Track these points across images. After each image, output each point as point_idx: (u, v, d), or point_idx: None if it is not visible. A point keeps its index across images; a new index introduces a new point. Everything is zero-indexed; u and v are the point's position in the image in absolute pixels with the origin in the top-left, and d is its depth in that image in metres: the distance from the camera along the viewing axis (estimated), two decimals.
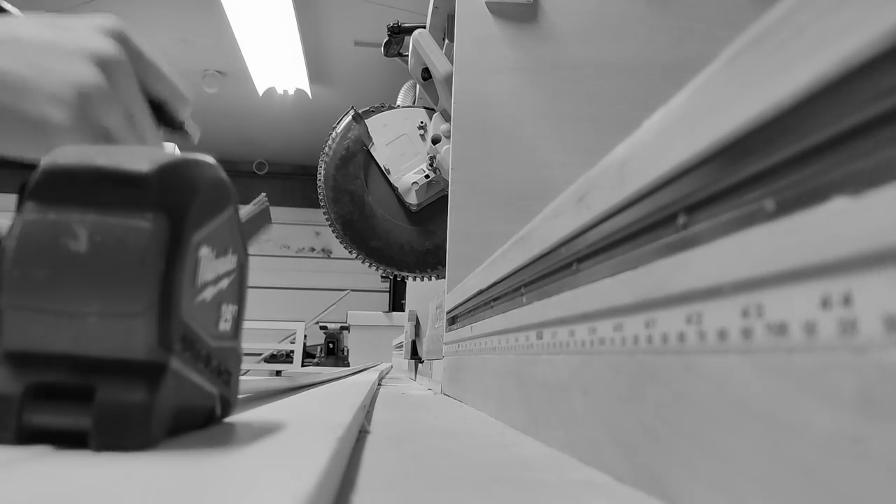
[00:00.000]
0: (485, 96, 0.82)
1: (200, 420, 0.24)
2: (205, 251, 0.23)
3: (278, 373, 3.25)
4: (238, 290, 0.27)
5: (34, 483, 0.14)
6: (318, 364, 3.37)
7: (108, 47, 0.37)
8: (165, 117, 0.42)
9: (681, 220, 0.19)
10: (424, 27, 1.01)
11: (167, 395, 0.21)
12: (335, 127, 1.04)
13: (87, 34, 0.38)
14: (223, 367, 0.25)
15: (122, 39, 0.39)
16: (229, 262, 0.26)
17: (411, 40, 0.98)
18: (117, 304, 0.20)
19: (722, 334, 0.17)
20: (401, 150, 1.03)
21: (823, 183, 0.14)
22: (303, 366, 3.55)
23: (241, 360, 0.29)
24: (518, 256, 0.38)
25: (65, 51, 0.36)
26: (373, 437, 0.34)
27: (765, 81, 0.15)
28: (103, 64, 0.37)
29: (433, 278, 1.07)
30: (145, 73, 0.40)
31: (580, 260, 0.28)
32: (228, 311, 0.26)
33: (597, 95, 0.81)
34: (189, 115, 0.44)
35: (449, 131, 0.87)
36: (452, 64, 0.87)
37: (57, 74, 0.36)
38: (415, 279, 1.07)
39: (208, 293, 0.24)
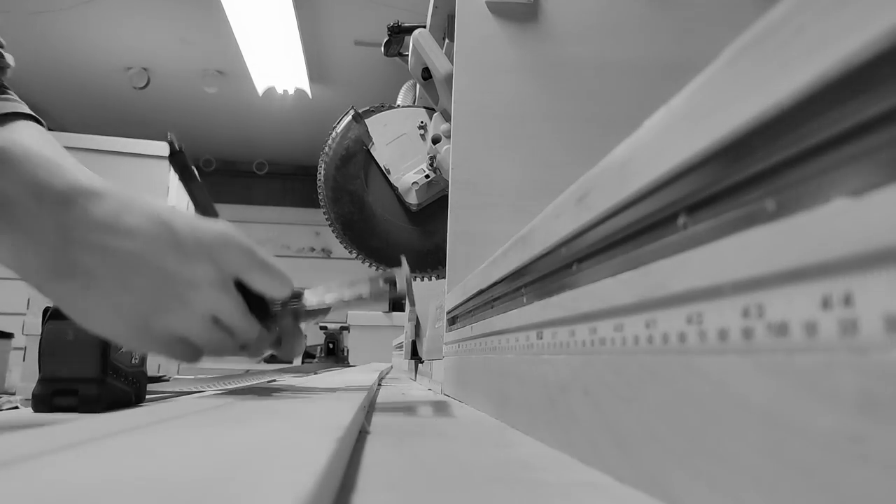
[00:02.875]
0: (485, 96, 0.82)
1: (125, 403, 0.53)
2: None
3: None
4: None
5: (33, 479, 0.14)
6: (318, 363, 3.37)
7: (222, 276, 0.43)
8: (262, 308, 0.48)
9: (681, 220, 0.19)
10: (424, 27, 1.01)
11: (106, 391, 0.51)
12: (335, 127, 1.04)
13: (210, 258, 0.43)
14: (134, 380, 0.54)
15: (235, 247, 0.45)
16: None
17: (411, 40, 0.98)
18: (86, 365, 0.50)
19: (722, 334, 0.17)
20: (401, 150, 1.03)
21: (823, 183, 0.14)
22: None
23: (146, 377, 0.56)
24: (518, 256, 0.38)
25: (197, 248, 0.43)
26: (373, 437, 0.34)
27: (765, 81, 0.15)
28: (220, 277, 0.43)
29: (433, 278, 1.07)
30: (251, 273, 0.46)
31: (580, 260, 0.28)
32: (137, 355, 0.55)
33: (597, 95, 0.81)
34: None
35: (449, 131, 0.87)
36: (452, 63, 0.87)
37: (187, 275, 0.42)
38: (415, 279, 1.07)
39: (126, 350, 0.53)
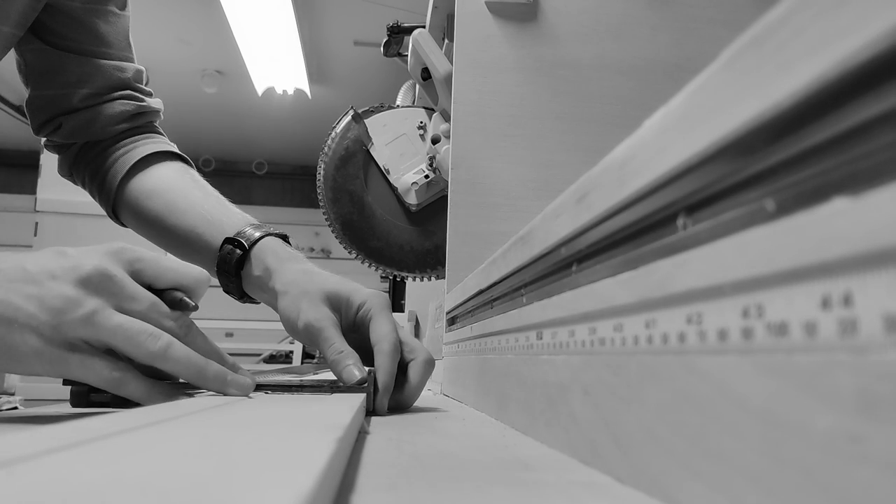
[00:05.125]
0: (485, 96, 0.82)
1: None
2: None
3: None
4: None
5: (33, 479, 0.14)
6: (317, 364, 3.36)
7: (94, 265, 0.42)
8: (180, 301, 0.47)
9: (681, 220, 0.19)
10: (424, 27, 1.01)
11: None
12: (334, 127, 1.04)
13: (84, 258, 0.42)
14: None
15: (119, 255, 0.44)
16: None
17: (411, 40, 0.98)
18: None
19: (722, 334, 0.17)
20: (400, 150, 1.03)
21: (823, 183, 0.14)
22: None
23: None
24: (518, 256, 0.38)
25: (52, 276, 0.41)
26: (373, 438, 0.34)
27: (765, 81, 0.15)
28: (85, 281, 0.41)
29: (433, 278, 1.06)
30: (149, 275, 0.45)
31: (580, 260, 0.28)
32: None
33: (597, 95, 0.81)
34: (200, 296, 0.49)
35: (448, 131, 0.87)
36: (452, 64, 0.87)
37: (35, 299, 0.40)
38: (414, 279, 1.07)
39: None
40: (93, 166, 0.74)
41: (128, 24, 0.74)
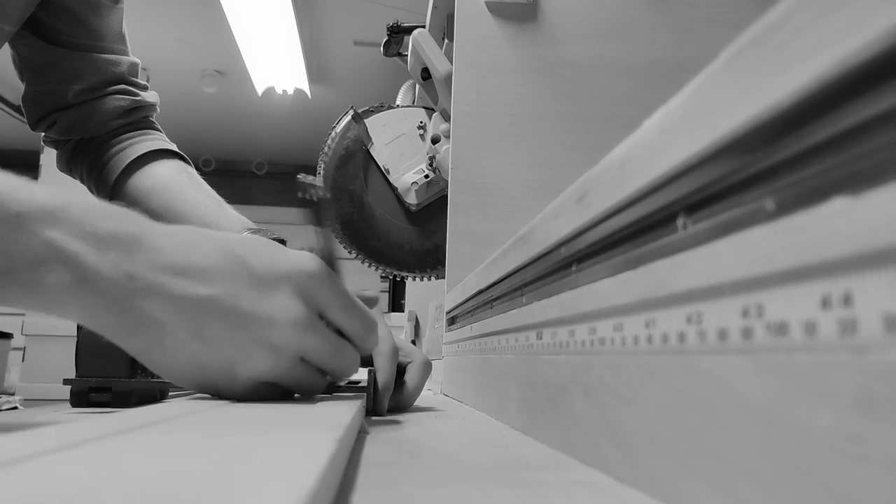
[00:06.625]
0: (484, 96, 0.82)
1: (152, 399, 0.59)
2: None
3: None
4: None
5: (33, 479, 0.14)
6: None
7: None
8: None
9: (680, 219, 0.19)
10: (424, 27, 1.01)
11: (137, 388, 0.62)
12: (334, 127, 1.04)
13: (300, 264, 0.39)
14: (160, 378, 0.47)
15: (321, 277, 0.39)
16: None
17: (411, 40, 0.98)
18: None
19: (722, 334, 0.17)
20: (400, 149, 1.03)
21: (823, 183, 0.14)
22: None
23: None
24: (518, 256, 0.38)
25: (277, 280, 0.37)
26: (372, 437, 0.34)
27: (764, 81, 0.15)
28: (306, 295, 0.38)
29: (433, 278, 1.06)
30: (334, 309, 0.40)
31: (580, 260, 0.28)
32: None
33: (597, 95, 0.81)
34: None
35: (448, 131, 0.87)
36: (452, 63, 0.87)
37: (266, 308, 0.36)
38: (414, 279, 1.07)
39: None
40: (89, 161, 0.74)
41: (121, 16, 0.73)
